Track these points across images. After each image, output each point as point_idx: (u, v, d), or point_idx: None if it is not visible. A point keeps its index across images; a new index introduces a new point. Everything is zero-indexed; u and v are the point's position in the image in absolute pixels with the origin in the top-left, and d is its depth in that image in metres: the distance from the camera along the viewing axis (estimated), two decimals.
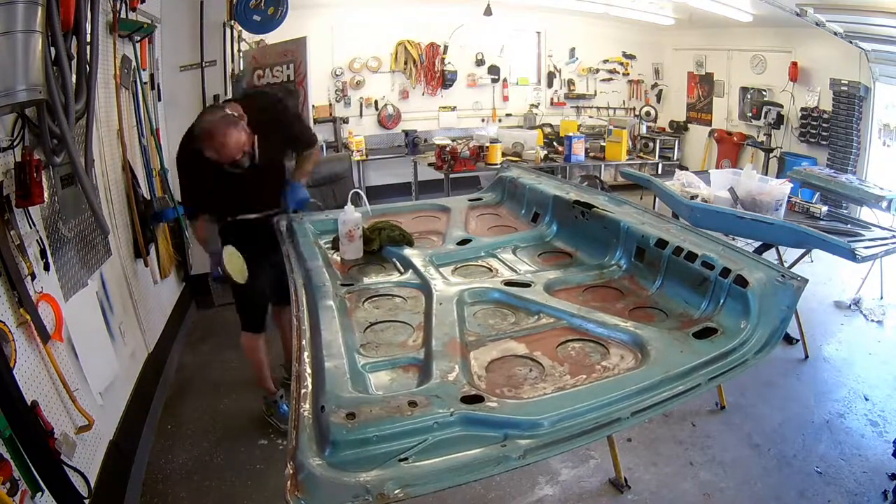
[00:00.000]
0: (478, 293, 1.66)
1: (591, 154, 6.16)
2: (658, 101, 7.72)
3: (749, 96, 6.49)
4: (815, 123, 5.71)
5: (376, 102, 6.61)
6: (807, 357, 3.34)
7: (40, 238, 1.76)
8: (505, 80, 7.14)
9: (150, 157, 3.20)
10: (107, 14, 2.55)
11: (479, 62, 6.95)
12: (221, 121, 2.06)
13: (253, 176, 2.26)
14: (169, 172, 3.56)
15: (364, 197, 2.27)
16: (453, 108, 6.96)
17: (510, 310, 1.60)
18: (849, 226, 3.38)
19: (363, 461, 0.96)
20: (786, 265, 2.71)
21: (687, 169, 5.50)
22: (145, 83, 3.24)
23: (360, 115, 6.57)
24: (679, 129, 7.43)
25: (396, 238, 2.04)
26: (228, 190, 2.27)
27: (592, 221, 2.02)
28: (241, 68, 4.47)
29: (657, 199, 4.36)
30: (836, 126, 5.44)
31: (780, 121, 6.06)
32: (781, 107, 6.05)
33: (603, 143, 6.16)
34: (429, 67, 6.70)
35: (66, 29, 1.73)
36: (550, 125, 7.06)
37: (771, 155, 6.12)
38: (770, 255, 3.36)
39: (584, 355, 1.36)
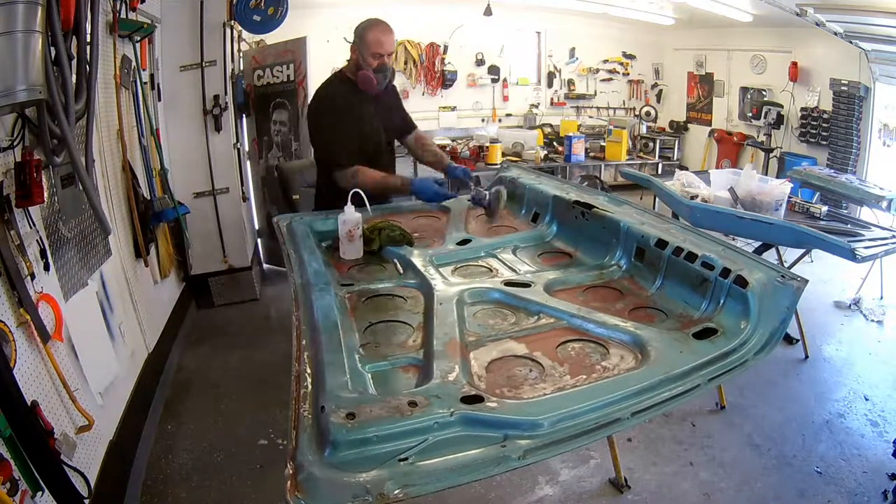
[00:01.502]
0: (478, 293, 1.66)
1: (591, 154, 6.17)
2: (658, 101, 7.72)
3: (749, 96, 6.49)
4: (815, 123, 5.70)
5: None
6: (807, 357, 3.34)
7: (40, 238, 1.76)
8: (505, 80, 7.14)
9: (150, 157, 3.20)
10: (107, 14, 2.55)
11: (479, 62, 6.95)
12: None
13: (386, 144, 2.48)
14: (169, 172, 3.57)
15: (364, 197, 2.26)
16: (453, 108, 6.95)
17: (510, 310, 1.60)
18: (849, 226, 3.38)
19: (363, 461, 0.95)
20: (786, 265, 2.71)
21: (687, 169, 5.50)
22: (145, 83, 3.23)
23: None
24: (679, 129, 7.43)
25: (396, 238, 2.04)
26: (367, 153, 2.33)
27: (592, 221, 2.01)
28: (241, 68, 4.47)
29: (657, 199, 4.36)
30: (836, 126, 5.44)
31: (780, 121, 6.06)
32: (781, 107, 6.05)
33: (603, 143, 6.18)
34: (429, 67, 6.70)
35: (66, 29, 1.73)
36: (550, 125, 7.06)
37: (771, 155, 6.12)
38: (770, 255, 3.36)
39: (584, 355, 1.36)
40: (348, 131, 2.29)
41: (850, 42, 4.87)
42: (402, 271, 1.88)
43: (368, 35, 2.26)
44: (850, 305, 4.01)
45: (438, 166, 2.61)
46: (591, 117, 7.44)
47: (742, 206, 3.36)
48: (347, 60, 2.44)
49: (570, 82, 7.44)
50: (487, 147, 5.49)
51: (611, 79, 7.57)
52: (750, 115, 6.40)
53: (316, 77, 6.07)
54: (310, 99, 2.48)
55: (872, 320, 3.84)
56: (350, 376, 1.18)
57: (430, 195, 2.26)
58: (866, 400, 2.94)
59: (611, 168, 6.55)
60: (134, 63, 2.97)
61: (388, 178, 2.32)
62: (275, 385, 2.97)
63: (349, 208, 1.98)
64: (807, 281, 1.41)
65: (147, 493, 2.30)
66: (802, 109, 5.81)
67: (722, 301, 1.49)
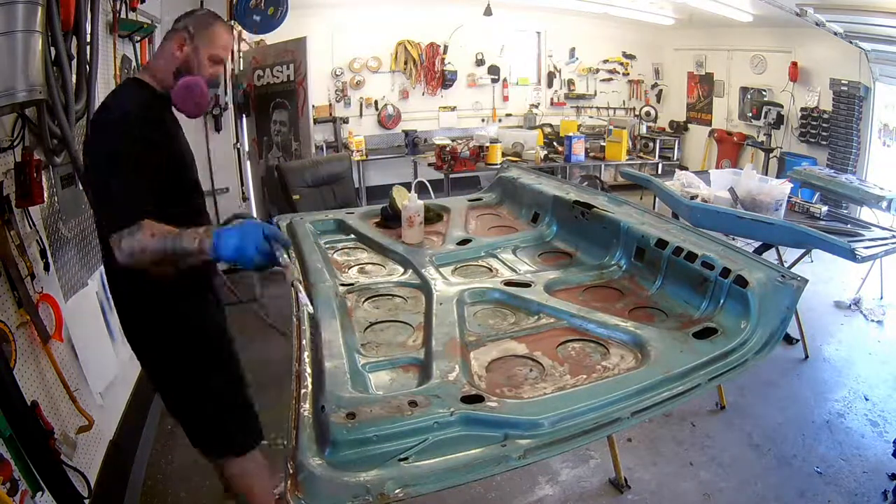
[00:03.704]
0: (478, 293, 1.66)
1: (591, 154, 6.17)
2: (658, 101, 7.72)
3: (749, 96, 6.49)
4: (815, 123, 5.70)
5: (376, 102, 6.60)
6: (807, 357, 3.34)
7: (40, 238, 1.76)
8: (505, 80, 7.14)
9: None
10: (107, 14, 2.55)
11: (479, 62, 6.95)
12: None
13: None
14: None
15: (428, 185, 2.28)
16: (453, 108, 6.95)
17: (510, 310, 1.60)
18: (849, 226, 3.38)
19: (363, 461, 0.96)
20: (786, 265, 2.71)
21: (687, 169, 5.50)
22: None
23: (360, 115, 6.57)
24: (679, 129, 7.43)
25: (433, 219, 2.08)
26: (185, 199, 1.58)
27: (592, 221, 2.01)
28: (241, 68, 4.48)
29: (657, 199, 4.36)
30: (836, 126, 5.44)
31: (780, 121, 6.06)
32: (781, 107, 6.05)
33: (603, 143, 6.17)
34: (429, 67, 6.70)
35: (66, 29, 1.73)
36: (550, 125, 7.06)
37: (771, 155, 6.12)
38: (770, 255, 3.36)
39: (584, 355, 1.36)
40: (158, 166, 1.42)
41: (850, 42, 4.88)
42: (402, 271, 1.88)
43: (216, 27, 1.50)
44: (850, 305, 4.01)
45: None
46: (591, 117, 7.44)
47: (742, 206, 3.35)
48: (145, 67, 1.64)
49: (570, 82, 7.44)
50: (487, 147, 5.48)
51: (611, 79, 7.57)
52: (750, 115, 6.40)
53: (316, 77, 6.13)
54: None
55: (872, 320, 3.84)
56: (350, 376, 1.18)
57: (245, 259, 1.28)
58: (866, 400, 2.94)
59: (611, 168, 6.55)
60: (134, 63, 2.97)
61: (180, 235, 1.31)
62: (275, 385, 2.97)
63: (413, 195, 2.05)
64: (807, 281, 1.41)
65: (147, 493, 2.30)
66: (802, 109, 5.81)
67: (722, 301, 1.49)
